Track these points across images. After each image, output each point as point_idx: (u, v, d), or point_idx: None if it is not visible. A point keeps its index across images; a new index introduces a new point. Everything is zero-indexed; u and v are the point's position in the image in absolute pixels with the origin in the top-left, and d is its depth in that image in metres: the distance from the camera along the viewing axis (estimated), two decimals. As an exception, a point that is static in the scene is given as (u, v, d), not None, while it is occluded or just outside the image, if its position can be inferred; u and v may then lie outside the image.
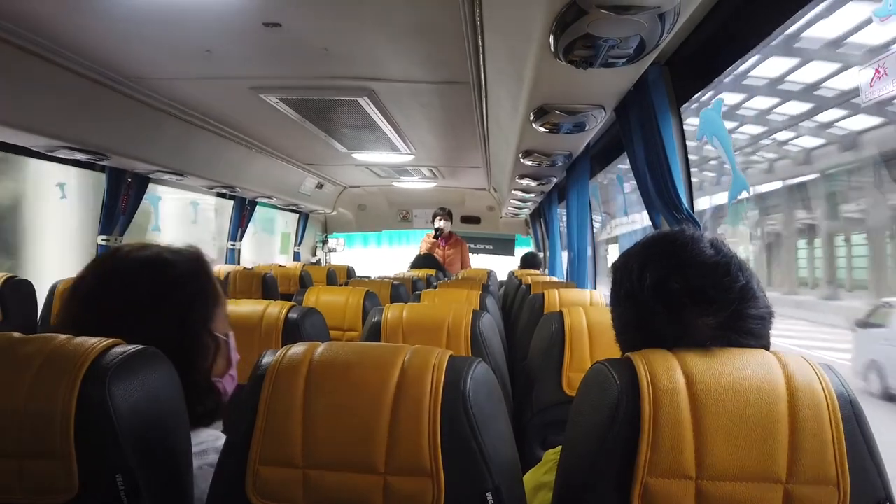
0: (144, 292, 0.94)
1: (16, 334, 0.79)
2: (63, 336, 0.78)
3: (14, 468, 0.71)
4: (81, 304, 0.93)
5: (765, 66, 5.44)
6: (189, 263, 1.00)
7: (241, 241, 5.67)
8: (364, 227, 7.92)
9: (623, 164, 4.29)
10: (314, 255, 7.80)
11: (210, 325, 1.00)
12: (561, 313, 1.69)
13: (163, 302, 0.94)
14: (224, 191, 4.99)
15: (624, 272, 0.88)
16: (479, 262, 7.38)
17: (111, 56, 2.52)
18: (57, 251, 3.94)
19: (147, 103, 3.13)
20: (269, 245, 7.64)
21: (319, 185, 6.25)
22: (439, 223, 5.95)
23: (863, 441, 0.70)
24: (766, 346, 0.79)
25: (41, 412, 0.71)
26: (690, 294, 0.79)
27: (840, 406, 0.70)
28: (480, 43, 2.13)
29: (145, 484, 0.74)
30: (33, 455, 0.71)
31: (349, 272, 5.46)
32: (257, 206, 5.86)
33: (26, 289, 2.64)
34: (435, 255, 5.62)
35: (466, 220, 7.46)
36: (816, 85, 5.27)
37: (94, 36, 2.29)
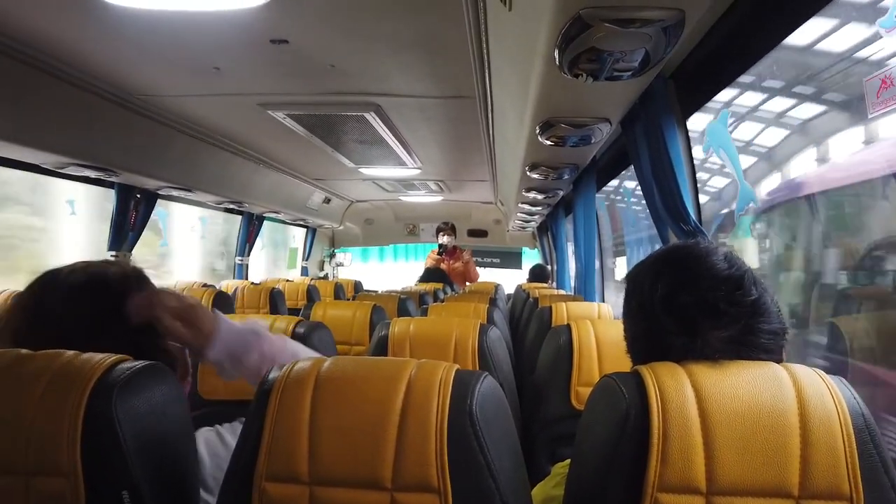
0: (88, 318, 0.90)
1: (23, 350, 0.79)
2: (70, 352, 0.78)
3: (21, 485, 0.71)
4: (26, 328, 0.89)
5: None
6: (130, 282, 0.97)
7: (248, 256, 5.70)
8: (371, 241, 7.94)
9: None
10: (321, 269, 7.83)
11: (162, 339, 0.98)
12: (569, 326, 1.69)
13: (109, 326, 0.91)
14: (232, 206, 5.02)
15: (636, 284, 0.88)
16: (487, 275, 7.37)
17: (121, 74, 2.56)
18: None
19: (156, 120, 3.16)
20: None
21: (327, 200, 6.28)
22: (443, 239, 5.95)
23: (876, 455, 0.69)
24: (779, 362, 0.78)
25: (48, 428, 0.71)
26: (702, 307, 0.79)
27: (852, 420, 0.69)
28: (486, 57, 2.14)
29: (151, 500, 0.74)
30: (40, 472, 0.71)
31: (356, 286, 5.47)
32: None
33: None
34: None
35: (473, 233, 7.46)
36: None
37: (104, 54, 2.32)
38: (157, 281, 1.07)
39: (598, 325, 1.68)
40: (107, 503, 0.72)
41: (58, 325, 0.88)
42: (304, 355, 1.09)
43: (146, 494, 0.73)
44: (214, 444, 0.99)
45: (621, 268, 5.40)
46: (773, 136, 2.58)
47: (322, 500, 0.74)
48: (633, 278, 0.90)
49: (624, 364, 0.89)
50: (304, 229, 7.21)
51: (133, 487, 0.73)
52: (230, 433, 1.02)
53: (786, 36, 1.56)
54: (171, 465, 0.79)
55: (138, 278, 0.99)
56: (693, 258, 0.83)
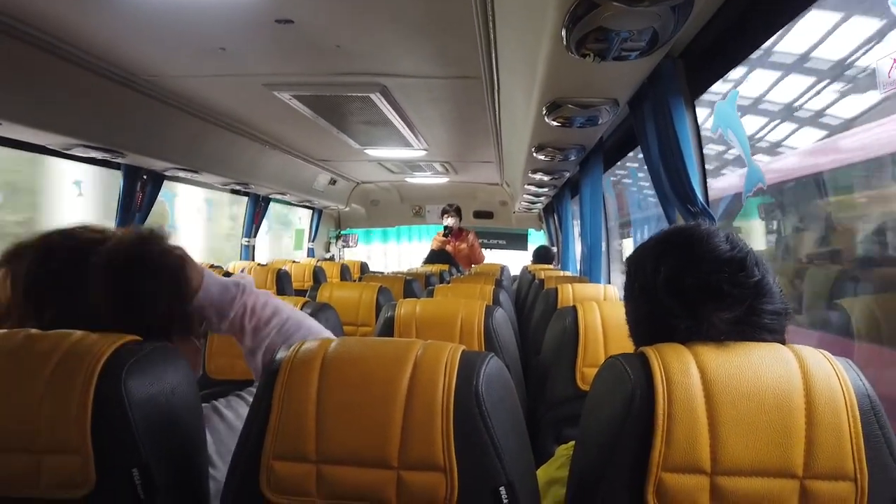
0: (127, 295, 0.88)
1: (33, 331, 0.80)
2: (80, 332, 0.78)
3: (33, 463, 0.72)
4: (52, 295, 0.87)
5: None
6: (177, 260, 0.95)
7: (255, 237, 5.71)
8: (377, 222, 7.94)
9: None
10: (328, 250, 7.84)
11: (192, 326, 0.99)
12: (574, 308, 1.69)
13: (145, 305, 0.89)
14: (238, 188, 5.02)
15: (638, 266, 0.88)
16: (492, 257, 7.38)
17: (127, 55, 2.54)
18: None
19: (162, 101, 3.16)
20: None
21: (333, 182, 6.27)
22: (448, 220, 5.97)
23: (881, 436, 0.69)
24: (782, 342, 0.78)
25: (58, 408, 0.72)
26: (705, 289, 0.79)
27: (858, 401, 0.69)
28: (492, 37, 2.12)
29: (161, 478, 0.75)
30: (51, 450, 0.72)
31: (363, 268, 5.48)
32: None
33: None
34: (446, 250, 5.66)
35: (479, 215, 7.45)
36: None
37: (109, 35, 2.31)
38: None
39: (604, 307, 1.68)
40: (117, 481, 0.73)
41: (100, 300, 0.86)
42: (287, 311, 1.08)
43: (156, 473, 0.75)
44: (212, 420, 1.00)
45: (628, 249, 5.39)
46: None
47: (329, 478, 0.75)
48: (634, 262, 0.89)
49: (630, 345, 0.89)
50: (311, 210, 7.21)
51: (143, 466, 0.74)
52: (225, 407, 1.03)
53: (796, 14, 1.54)
54: (180, 444, 0.81)
55: (182, 255, 0.98)
56: (695, 240, 0.83)
